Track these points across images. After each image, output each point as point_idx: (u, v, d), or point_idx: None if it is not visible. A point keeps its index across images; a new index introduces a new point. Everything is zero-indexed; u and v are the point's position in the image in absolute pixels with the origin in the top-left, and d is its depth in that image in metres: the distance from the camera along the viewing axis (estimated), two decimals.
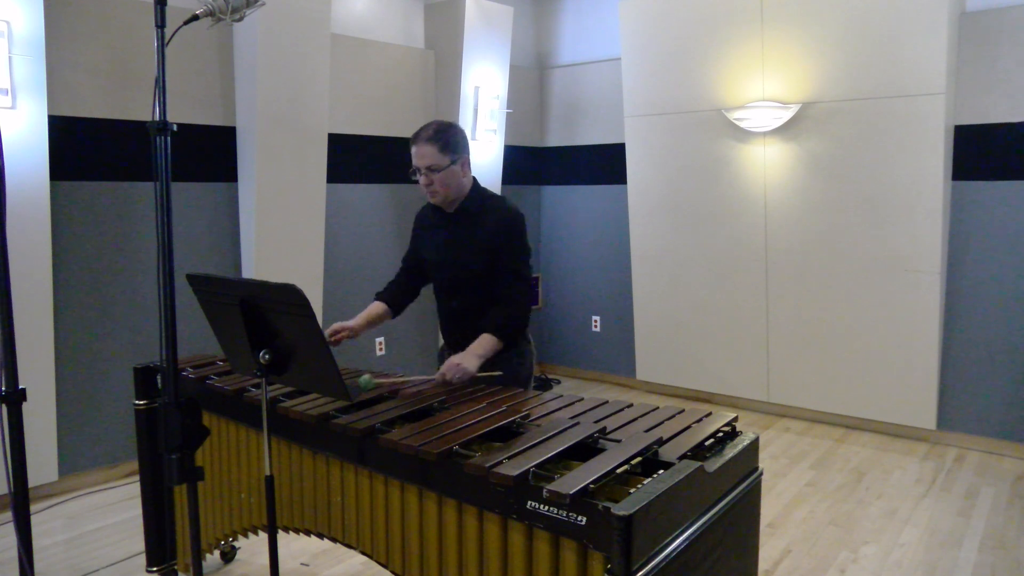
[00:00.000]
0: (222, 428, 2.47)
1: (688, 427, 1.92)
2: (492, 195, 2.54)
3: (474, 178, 2.52)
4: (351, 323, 2.56)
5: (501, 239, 2.42)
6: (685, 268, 5.22)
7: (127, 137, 3.79)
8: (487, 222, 2.44)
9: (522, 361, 2.53)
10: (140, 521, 2.79)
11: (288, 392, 2.26)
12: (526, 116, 6.02)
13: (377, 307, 2.65)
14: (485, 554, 1.65)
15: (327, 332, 2.51)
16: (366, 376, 2.32)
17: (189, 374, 2.59)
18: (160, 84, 1.69)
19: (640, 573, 1.41)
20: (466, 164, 2.44)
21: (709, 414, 2.01)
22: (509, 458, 1.65)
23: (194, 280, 1.92)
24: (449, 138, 2.37)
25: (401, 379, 2.39)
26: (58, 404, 3.62)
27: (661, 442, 1.78)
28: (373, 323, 2.62)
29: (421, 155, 2.37)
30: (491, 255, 2.42)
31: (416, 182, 2.43)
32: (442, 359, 2.64)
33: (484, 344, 2.37)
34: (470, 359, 2.33)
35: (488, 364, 2.43)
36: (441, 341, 2.71)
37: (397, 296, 2.69)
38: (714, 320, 5.13)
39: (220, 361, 2.75)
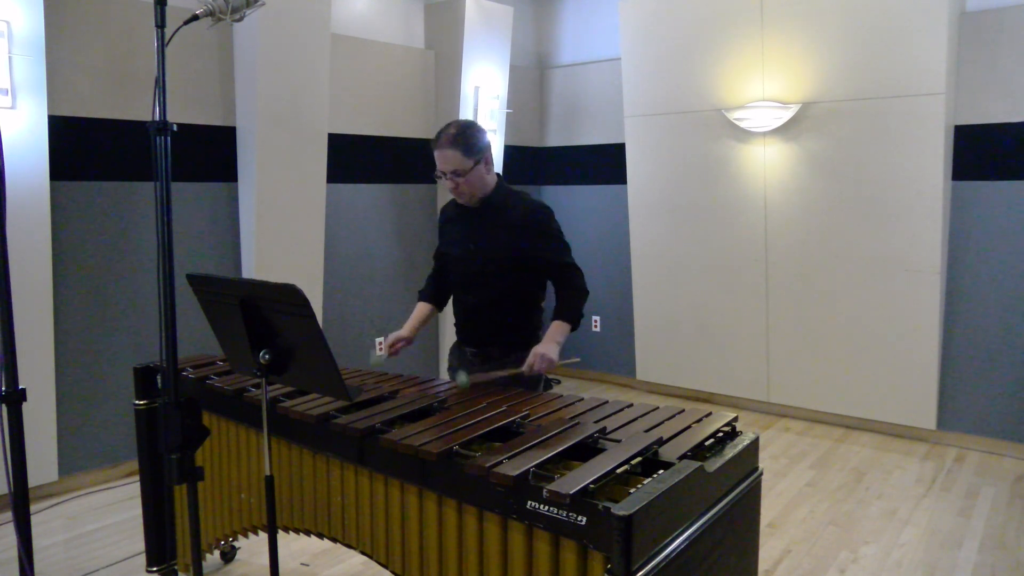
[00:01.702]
0: (222, 428, 2.47)
1: (688, 427, 1.92)
2: (516, 191, 2.55)
3: (498, 173, 2.53)
4: (404, 332, 2.59)
5: (532, 236, 2.42)
6: (685, 268, 5.22)
7: (127, 137, 3.79)
8: (511, 217, 2.44)
9: None
10: (140, 521, 2.80)
11: (288, 392, 2.26)
12: (526, 116, 6.02)
13: (423, 308, 2.68)
14: (485, 554, 1.65)
15: (386, 343, 2.57)
16: (463, 376, 2.35)
17: (189, 374, 2.59)
18: (160, 84, 1.70)
19: (640, 573, 1.41)
20: (489, 162, 2.45)
21: (709, 414, 2.01)
22: (509, 458, 1.65)
23: (194, 280, 1.92)
24: (471, 139, 2.38)
25: (492, 375, 2.41)
26: (58, 404, 3.62)
27: (661, 442, 1.78)
28: (422, 325, 2.66)
29: (445, 159, 2.37)
30: (516, 249, 2.42)
31: (436, 181, 2.44)
32: (454, 355, 2.66)
33: (560, 331, 2.43)
34: (552, 348, 2.38)
35: (500, 364, 2.45)
36: (454, 338, 2.71)
37: (439, 291, 2.72)
38: (714, 320, 5.13)
39: (220, 361, 2.76)
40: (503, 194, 2.49)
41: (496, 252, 2.44)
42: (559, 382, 5.90)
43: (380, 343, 5.08)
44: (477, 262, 2.48)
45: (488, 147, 2.44)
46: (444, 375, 4.50)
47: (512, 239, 2.42)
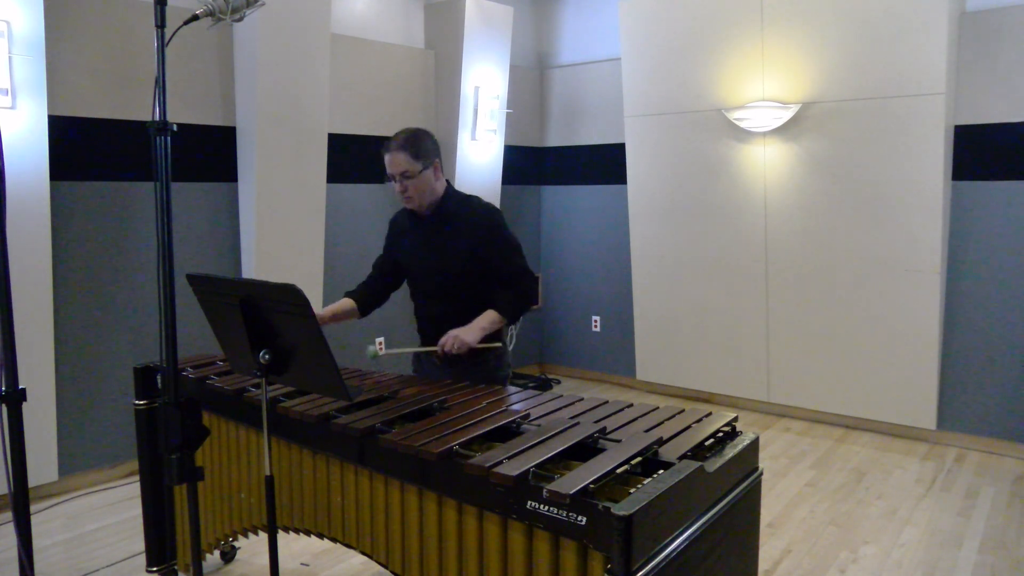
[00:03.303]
0: (222, 428, 2.47)
1: (688, 427, 1.92)
2: (466, 196, 2.58)
3: (447, 181, 2.56)
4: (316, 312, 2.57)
5: (483, 240, 2.46)
6: (685, 268, 5.22)
7: (127, 137, 3.79)
8: (463, 223, 2.48)
9: (500, 363, 2.56)
10: (140, 521, 2.80)
11: (288, 392, 2.26)
12: (526, 116, 6.02)
13: (346, 303, 2.65)
14: (485, 554, 1.65)
15: None
16: (371, 348, 2.43)
17: (189, 374, 2.59)
18: (160, 84, 1.70)
19: (640, 573, 1.41)
20: (438, 168, 2.49)
21: (709, 414, 2.01)
22: (509, 458, 1.65)
23: (194, 280, 1.92)
24: (419, 144, 2.42)
25: (405, 350, 2.51)
26: (58, 404, 3.62)
27: (661, 442, 1.78)
28: (338, 318, 2.61)
29: (394, 162, 2.43)
30: (471, 256, 2.45)
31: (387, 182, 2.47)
32: (417, 360, 2.68)
33: (488, 318, 2.44)
34: (471, 332, 2.39)
35: (470, 366, 2.47)
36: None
37: (367, 297, 2.69)
38: (714, 320, 5.13)
39: (220, 361, 2.75)
40: (454, 200, 2.53)
41: (453, 260, 2.47)
42: (559, 382, 5.91)
43: (380, 342, 5.07)
44: (436, 272, 2.51)
45: (437, 154, 2.48)
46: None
47: (467, 245, 2.45)
